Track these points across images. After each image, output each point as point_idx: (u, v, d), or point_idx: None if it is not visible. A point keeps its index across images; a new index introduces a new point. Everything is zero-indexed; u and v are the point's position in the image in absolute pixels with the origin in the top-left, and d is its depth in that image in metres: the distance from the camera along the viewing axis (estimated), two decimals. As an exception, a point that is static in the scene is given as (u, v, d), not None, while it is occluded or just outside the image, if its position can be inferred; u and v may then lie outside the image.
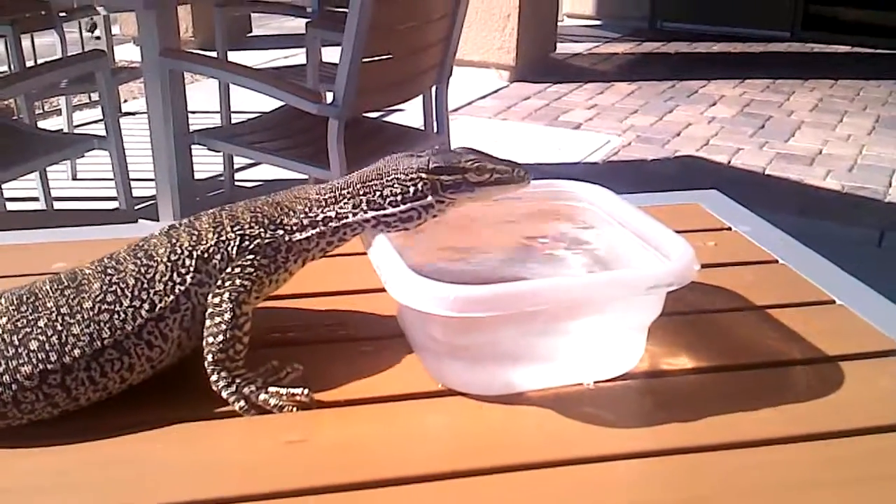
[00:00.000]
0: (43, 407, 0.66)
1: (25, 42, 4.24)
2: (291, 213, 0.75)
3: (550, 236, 0.87)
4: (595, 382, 0.73)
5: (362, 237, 0.76)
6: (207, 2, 4.50)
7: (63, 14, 3.90)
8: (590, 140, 4.46)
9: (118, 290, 0.69)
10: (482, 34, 5.39)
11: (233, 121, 3.51)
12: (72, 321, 0.67)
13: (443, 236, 0.86)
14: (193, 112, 3.83)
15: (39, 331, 0.66)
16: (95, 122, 4.30)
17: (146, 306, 0.69)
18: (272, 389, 0.69)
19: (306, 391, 0.69)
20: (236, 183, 3.65)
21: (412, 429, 0.68)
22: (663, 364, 0.77)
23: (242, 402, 0.68)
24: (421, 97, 3.02)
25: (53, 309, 0.67)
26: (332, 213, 0.75)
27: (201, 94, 4.47)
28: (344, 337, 0.81)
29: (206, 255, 0.71)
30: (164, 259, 0.70)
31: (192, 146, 2.92)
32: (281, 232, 0.74)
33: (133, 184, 3.40)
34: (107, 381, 0.67)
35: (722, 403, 0.71)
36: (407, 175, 0.76)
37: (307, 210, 0.75)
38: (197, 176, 3.32)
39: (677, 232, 1.05)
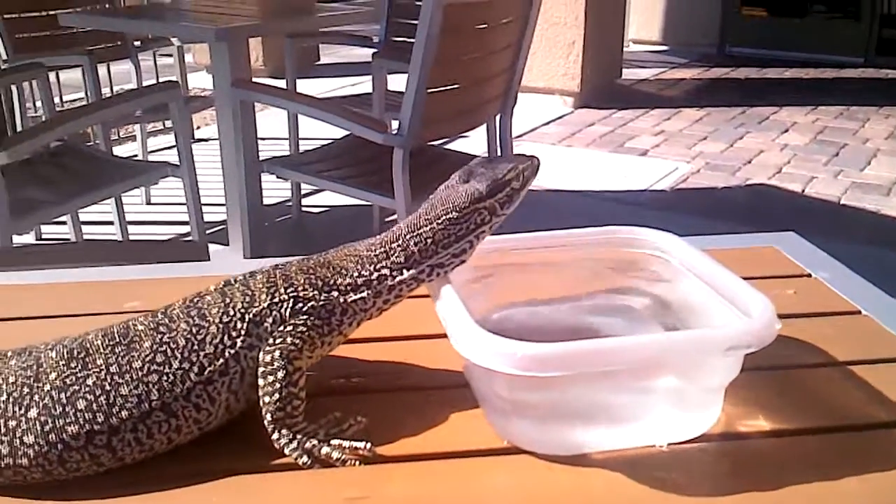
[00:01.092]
0: (88, 466, 0.65)
1: (102, 70, 4.39)
2: (344, 271, 0.74)
3: (622, 286, 0.84)
4: (668, 444, 0.70)
5: (428, 285, 0.75)
6: (278, 34, 4.59)
7: (138, 44, 4.01)
8: (657, 167, 4.40)
9: (168, 350, 0.68)
10: (546, 61, 5.38)
11: (302, 147, 3.56)
12: (121, 381, 0.66)
13: (513, 282, 0.85)
14: (263, 139, 3.90)
15: (88, 389, 0.66)
16: (169, 147, 4.40)
17: (195, 369, 0.68)
18: (334, 442, 0.68)
19: (368, 445, 0.68)
20: (303, 209, 3.70)
21: (477, 488, 0.66)
22: (740, 426, 0.73)
23: (305, 458, 0.67)
24: (486, 127, 3.02)
25: (103, 367, 0.67)
26: (386, 271, 0.74)
27: (271, 122, 4.54)
28: (408, 386, 0.80)
29: (258, 317, 0.70)
30: (217, 320, 0.69)
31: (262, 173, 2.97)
32: (335, 293, 0.73)
33: (204, 208, 3.48)
34: (153, 441, 0.67)
35: (801, 470, 0.67)
36: (461, 212, 0.75)
37: (359, 268, 0.74)
38: (266, 201, 3.38)
39: (754, 279, 1.02)
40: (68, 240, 3.18)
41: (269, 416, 0.68)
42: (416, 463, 0.68)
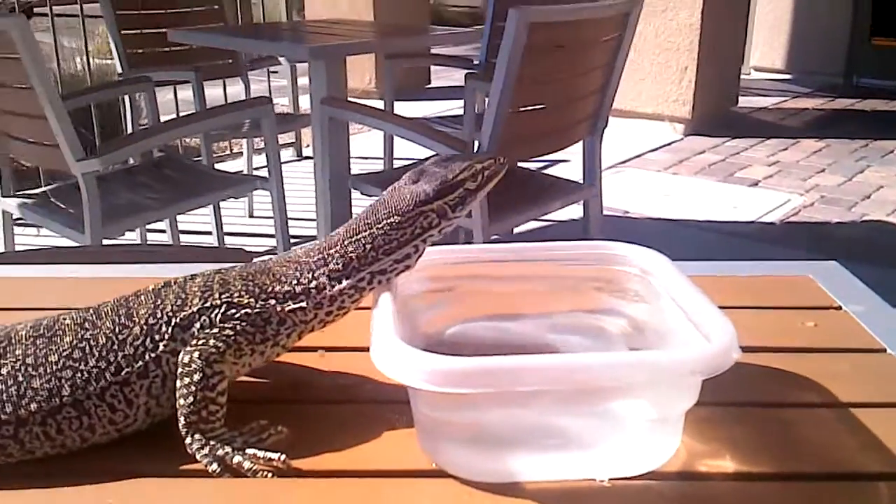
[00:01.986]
0: None
1: (217, 89, 4.57)
2: (283, 279, 0.70)
3: (599, 305, 0.78)
4: (610, 479, 0.63)
5: (372, 294, 0.71)
6: (378, 54, 4.66)
7: (249, 64, 4.14)
8: (767, 198, 4.19)
9: (88, 347, 0.66)
10: (657, 86, 5.24)
11: (395, 167, 3.58)
12: (34, 373, 0.65)
13: (484, 294, 0.80)
14: (362, 158, 3.94)
15: (0, 378, 0.65)
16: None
17: (112, 368, 0.66)
18: (249, 451, 0.64)
19: (283, 457, 0.64)
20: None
21: (387, 511, 0.61)
22: (700, 465, 0.65)
23: (215, 465, 0.64)
24: (581, 148, 2.94)
25: (21, 358, 0.66)
26: (324, 279, 0.70)
27: (371, 142, 4.61)
28: (345, 399, 0.75)
29: (185, 321, 0.67)
30: (142, 321, 0.67)
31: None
32: (272, 301, 0.69)
33: (302, 223, 3.54)
34: (64, 438, 0.65)
35: (762, 520, 0.59)
36: (404, 216, 0.70)
37: (298, 275, 0.70)
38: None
39: (777, 309, 0.93)
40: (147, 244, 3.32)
41: (182, 420, 0.65)
42: (328, 479, 0.64)
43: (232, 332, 0.67)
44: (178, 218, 3.18)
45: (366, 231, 0.71)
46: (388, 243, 0.70)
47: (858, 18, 6.62)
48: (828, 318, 0.91)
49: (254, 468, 0.64)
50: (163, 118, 3.35)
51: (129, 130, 3.80)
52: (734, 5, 5.40)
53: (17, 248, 2.93)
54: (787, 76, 6.97)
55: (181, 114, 4.70)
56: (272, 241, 3.68)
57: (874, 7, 6.58)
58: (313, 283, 0.70)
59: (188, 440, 0.65)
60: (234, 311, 0.68)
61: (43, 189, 2.90)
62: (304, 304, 0.70)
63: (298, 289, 0.70)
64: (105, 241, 2.49)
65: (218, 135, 3.82)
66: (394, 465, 0.65)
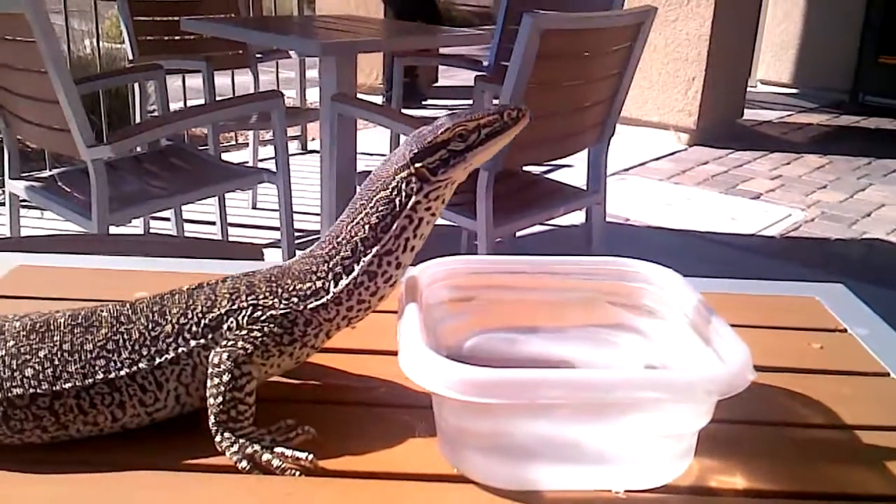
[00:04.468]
0: (32, 429, 0.67)
1: (226, 79, 4.58)
2: (303, 275, 0.72)
3: (613, 320, 0.80)
4: (626, 491, 0.65)
5: (399, 301, 0.73)
6: (388, 52, 4.68)
7: (259, 55, 4.15)
8: (768, 212, 4.22)
9: (121, 340, 0.69)
10: (663, 95, 5.27)
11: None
12: (70, 359, 0.68)
13: (499, 310, 0.82)
14: (367, 154, 3.96)
15: (38, 360, 0.68)
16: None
17: (145, 360, 0.68)
18: (278, 450, 0.67)
19: (310, 456, 0.66)
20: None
21: (410, 513, 0.64)
22: (712, 481, 0.68)
23: (245, 463, 0.66)
24: (587, 155, 2.97)
25: (58, 344, 0.68)
26: (339, 269, 0.71)
27: (377, 138, 4.62)
28: (371, 402, 0.78)
29: (214, 322, 0.70)
30: (174, 320, 0.70)
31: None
32: (296, 300, 0.71)
33: (306, 217, 3.55)
34: (96, 413, 0.67)
35: (770, 536, 0.62)
36: (388, 186, 0.69)
37: (315, 270, 0.72)
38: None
39: (783, 329, 0.96)
40: (155, 233, 3.33)
41: (212, 419, 0.67)
42: (354, 480, 0.66)
43: (259, 334, 0.69)
44: (182, 207, 3.19)
45: (362, 211, 0.71)
46: (382, 219, 0.70)
47: (866, 36, 6.65)
48: (833, 341, 0.93)
49: (282, 466, 0.66)
50: (171, 106, 3.37)
51: (137, 117, 3.81)
52: (744, 18, 5.43)
53: (22, 230, 2.94)
54: (794, 90, 7.00)
55: (189, 102, 4.72)
56: (275, 234, 3.69)
57: (882, 25, 6.61)
58: (330, 276, 0.71)
59: (217, 438, 0.67)
60: (259, 313, 0.70)
61: (50, 173, 2.91)
62: (324, 301, 0.71)
63: (319, 283, 0.71)
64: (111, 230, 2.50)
65: (225, 125, 3.84)
66: (417, 469, 0.67)
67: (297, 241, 3.09)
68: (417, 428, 0.72)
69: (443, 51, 5.72)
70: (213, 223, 3.40)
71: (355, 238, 0.71)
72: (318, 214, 3.40)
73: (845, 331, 0.95)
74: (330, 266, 0.71)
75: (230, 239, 3.48)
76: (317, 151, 4.90)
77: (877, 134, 5.96)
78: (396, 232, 0.70)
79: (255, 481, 0.66)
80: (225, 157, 4.21)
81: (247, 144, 4.71)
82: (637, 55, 2.73)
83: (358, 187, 3.03)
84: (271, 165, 4.23)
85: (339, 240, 0.72)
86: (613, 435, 0.65)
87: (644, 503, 0.65)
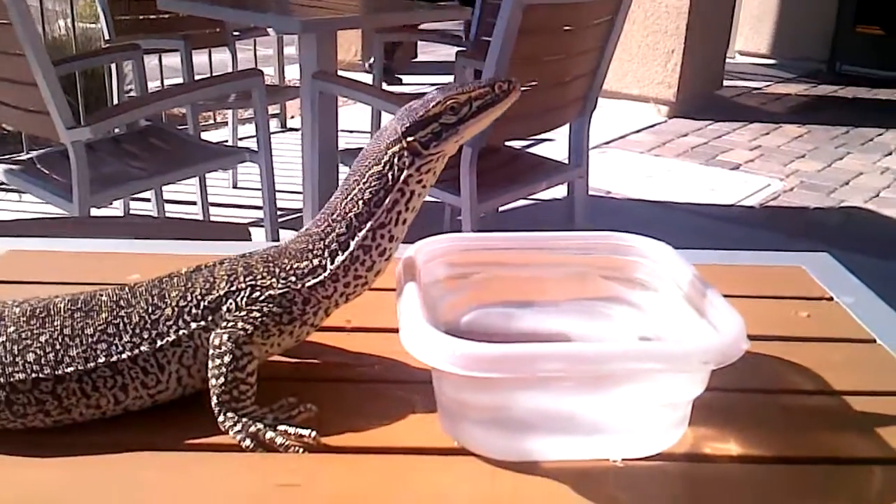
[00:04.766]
0: (35, 413, 0.67)
1: (203, 58, 4.53)
2: (299, 254, 0.72)
3: (607, 293, 0.81)
4: (623, 460, 0.67)
5: (397, 279, 0.73)
6: (368, 28, 4.65)
7: (237, 33, 4.11)
8: (748, 182, 4.25)
9: (122, 324, 0.69)
10: (643, 68, 5.27)
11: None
12: (71, 343, 0.68)
13: (495, 286, 0.83)
14: (348, 131, 3.93)
15: (39, 346, 0.68)
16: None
17: (146, 343, 0.69)
18: (280, 428, 0.68)
19: (314, 433, 0.67)
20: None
21: (415, 487, 0.65)
22: (706, 447, 0.69)
23: (248, 441, 0.67)
24: (569, 129, 2.97)
25: (59, 328, 0.69)
26: (335, 245, 0.71)
27: (358, 115, 4.60)
28: (372, 377, 0.78)
29: (213, 304, 0.70)
30: (174, 304, 0.70)
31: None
32: (293, 279, 0.71)
33: (287, 196, 3.53)
34: (99, 396, 0.68)
35: (763, 500, 0.63)
36: (380, 161, 0.70)
37: (311, 247, 0.72)
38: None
39: (771, 298, 0.97)
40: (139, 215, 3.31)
41: (214, 399, 0.68)
42: (357, 455, 0.67)
43: (259, 315, 0.70)
44: (162, 188, 3.17)
45: (355, 187, 0.71)
46: (375, 194, 0.71)
47: (843, 5, 6.68)
48: (820, 309, 0.95)
49: (286, 443, 0.67)
50: (149, 86, 3.33)
51: (115, 98, 3.77)
52: (721, -11, 5.44)
53: (1, 214, 2.91)
54: (772, 61, 7.02)
55: (167, 81, 4.67)
56: (257, 213, 3.68)
57: (859, -6, 6.65)
58: (326, 253, 0.71)
59: (220, 418, 0.68)
60: (258, 293, 0.71)
61: (29, 156, 2.88)
62: (321, 278, 0.71)
63: (315, 261, 0.71)
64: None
65: (204, 104, 3.80)
66: (418, 443, 0.69)
67: (279, 220, 3.09)
68: (416, 403, 0.74)
69: (422, 27, 5.68)
70: (194, 203, 3.38)
71: (349, 214, 0.71)
72: (299, 193, 3.38)
73: (832, 299, 0.97)
74: (326, 243, 0.72)
75: (212, 219, 3.46)
76: (296, 129, 4.88)
77: (854, 103, 6.00)
78: (389, 206, 0.71)
79: (258, 459, 0.66)
80: (204, 136, 4.19)
81: (225, 123, 4.68)
82: (619, 28, 2.74)
83: (340, 165, 3.02)
84: (251, 144, 4.22)
85: (334, 217, 0.72)
86: (610, 405, 0.67)
87: (640, 471, 0.67)
